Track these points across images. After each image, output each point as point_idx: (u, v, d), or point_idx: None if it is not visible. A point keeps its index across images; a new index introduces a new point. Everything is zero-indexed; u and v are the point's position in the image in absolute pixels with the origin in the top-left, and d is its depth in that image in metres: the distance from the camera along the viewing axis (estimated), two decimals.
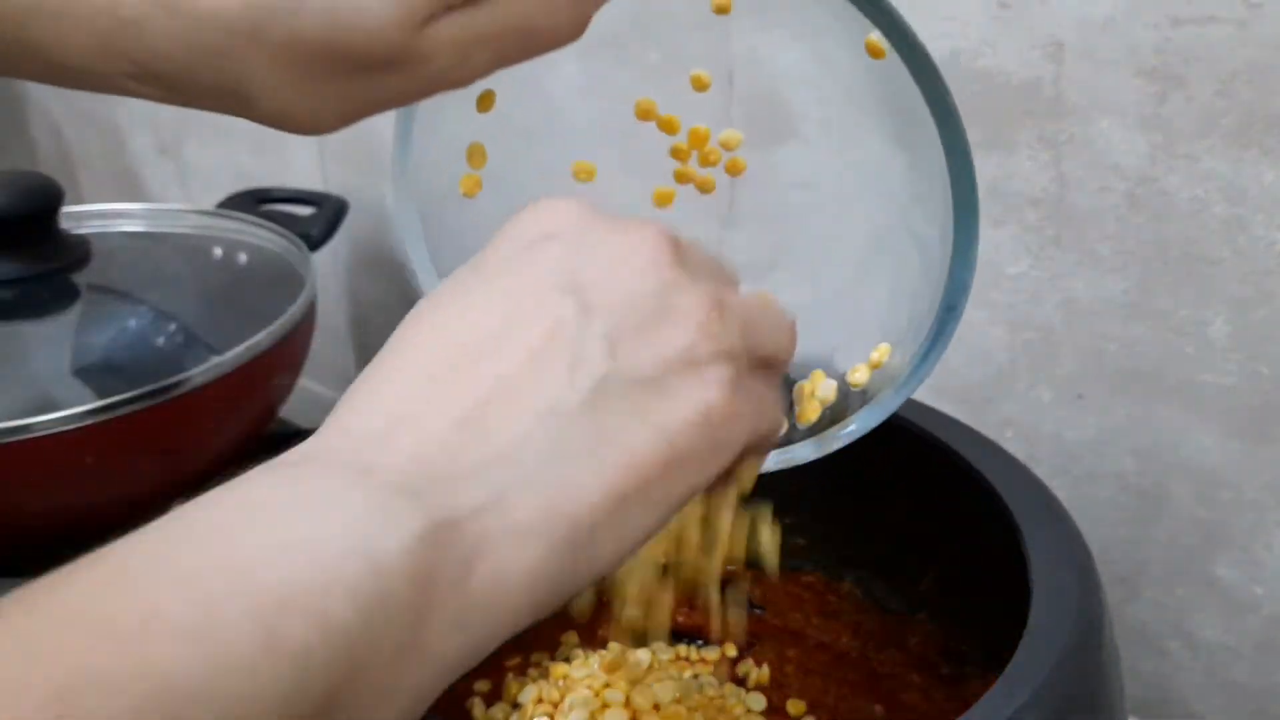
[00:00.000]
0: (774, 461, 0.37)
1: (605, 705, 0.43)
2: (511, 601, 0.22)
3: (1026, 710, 0.30)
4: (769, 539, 0.37)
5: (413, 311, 0.26)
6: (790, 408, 0.38)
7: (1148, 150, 0.47)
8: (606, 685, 0.45)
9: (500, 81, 0.35)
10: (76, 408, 0.50)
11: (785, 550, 0.51)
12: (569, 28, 0.29)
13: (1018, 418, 0.55)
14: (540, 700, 0.45)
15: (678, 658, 0.48)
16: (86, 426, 0.50)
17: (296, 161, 0.82)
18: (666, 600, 0.39)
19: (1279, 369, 0.47)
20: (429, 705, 0.22)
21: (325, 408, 0.25)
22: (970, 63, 0.50)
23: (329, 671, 0.19)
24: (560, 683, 0.46)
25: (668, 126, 0.37)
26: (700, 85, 0.37)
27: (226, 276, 0.66)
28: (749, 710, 0.45)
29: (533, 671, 0.47)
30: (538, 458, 0.23)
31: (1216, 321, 0.48)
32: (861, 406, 0.37)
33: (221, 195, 0.73)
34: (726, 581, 0.51)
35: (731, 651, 0.48)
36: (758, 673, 0.47)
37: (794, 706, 0.45)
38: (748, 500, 0.34)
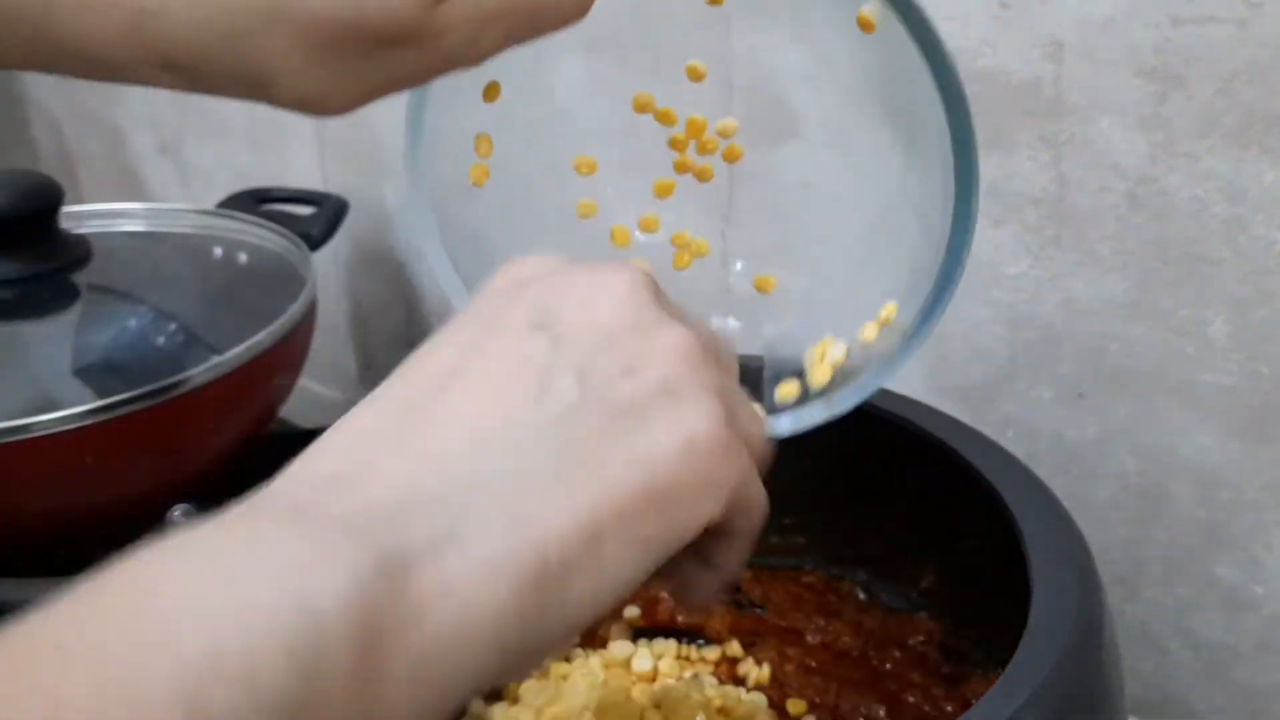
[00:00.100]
0: (788, 424, 0.37)
1: (605, 705, 0.43)
2: (477, 648, 0.20)
3: (1026, 710, 0.30)
4: None
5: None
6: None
7: (1148, 150, 0.47)
8: (607, 685, 0.45)
9: (506, 76, 0.35)
10: (76, 408, 0.50)
11: (785, 549, 0.51)
12: (574, 6, 0.30)
13: (1018, 417, 0.55)
14: (540, 700, 0.45)
15: (678, 657, 0.48)
16: (86, 426, 0.50)
17: (297, 161, 0.82)
18: None
19: (1279, 369, 0.47)
20: None
21: (325, 408, 0.25)
22: (970, 62, 0.50)
23: None
24: (561, 682, 0.46)
25: (665, 118, 0.38)
26: (696, 76, 0.37)
27: (227, 276, 0.66)
28: (749, 710, 0.45)
29: (533, 671, 0.47)
30: (499, 488, 0.21)
31: (1217, 321, 0.48)
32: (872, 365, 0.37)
33: (222, 195, 0.73)
34: None
35: (732, 651, 0.48)
36: (758, 672, 0.47)
37: (794, 706, 0.45)
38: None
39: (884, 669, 0.46)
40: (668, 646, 0.48)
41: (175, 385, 0.52)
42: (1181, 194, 0.47)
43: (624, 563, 0.22)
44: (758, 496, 0.26)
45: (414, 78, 0.30)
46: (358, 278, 0.83)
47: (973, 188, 0.33)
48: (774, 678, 0.47)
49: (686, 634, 0.49)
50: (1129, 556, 0.54)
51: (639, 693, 0.45)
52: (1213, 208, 0.46)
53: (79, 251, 0.62)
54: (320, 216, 0.70)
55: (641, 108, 0.37)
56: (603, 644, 0.48)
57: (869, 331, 0.37)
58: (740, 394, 0.27)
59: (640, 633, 0.49)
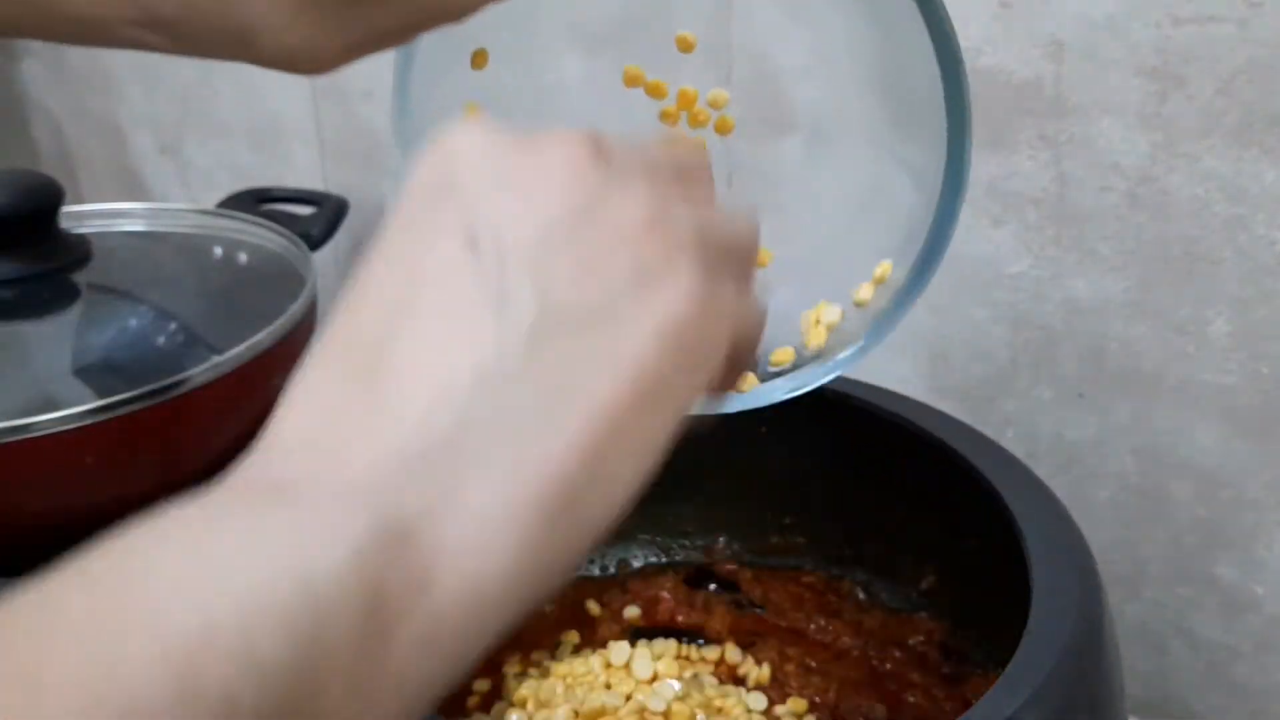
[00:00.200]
0: (785, 388, 0.36)
1: (605, 705, 0.43)
2: (491, 599, 0.20)
3: (1027, 710, 0.30)
4: None
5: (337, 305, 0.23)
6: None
7: (1148, 149, 0.47)
8: (607, 685, 0.45)
9: (499, 51, 0.35)
10: (77, 407, 0.50)
11: (785, 549, 0.51)
12: None
13: (1018, 417, 0.55)
14: (540, 700, 0.45)
15: (678, 657, 0.48)
16: (86, 426, 0.50)
17: (297, 161, 0.82)
18: None
19: (1279, 368, 0.47)
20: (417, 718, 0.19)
21: None
22: (971, 62, 0.49)
23: (263, 711, 0.16)
24: (561, 682, 0.46)
25: (655, 91, 0.37)
26: (685, 46, 0.37)
27: (227, 276, 0.66)
28: (749, 710, 0.45)
29: (533, 671, 0.47)
30: (484, 435, 0.20)
31: (1217, 321, 0.48)
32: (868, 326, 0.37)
33: (222, 195, 0.73)
34: (724, 582, 0.52)
35: (732, 651, 0.48)
36: (758, 672, 0.46)
37: (794, 705, 0.45)
38: None
39: (884, 669, 0.46)
40: (668, 646, 0.48)
41: (175, 385, 0.52)
42: (1182, 193, 0.47)
43: (630, 467, 0.21)
44: (752, 332, 0.25)
45: (398, 32, 0.29)
46: None
47: (965, 128, 0.33)
48: (774, 678, 0.46)
49: (686, 634, 0.49)
50: (1129, 556, 0.54)
51: (640, 693, 0.45)
52: (1213, 207, 0.46)
53: (79, 251, 0.62)
54: (320, 216, 0.70)
55: (632, 81, 0.37)
56: (603, 644, 0.48)
57: (864, 291, 0.37)
58: (716, 223, 0.24)
59: (640, 633, 0.49)
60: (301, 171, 0.81)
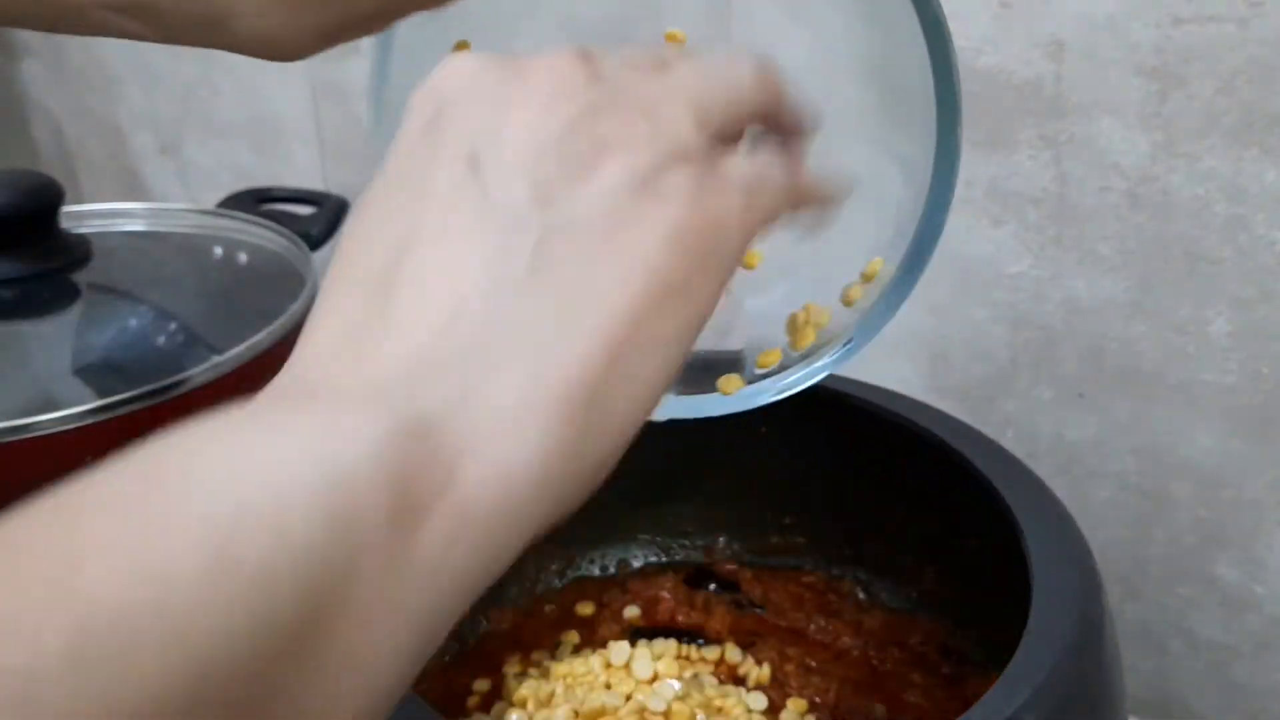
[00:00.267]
0: (772, 390, 0.36)
1: (605, 705, 0.43)
2: (522, 491, 0.20)
3: (1027, 710, 0.30)
4: None
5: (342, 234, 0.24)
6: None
7: (1148, 149, 0.47)
8: (608, 685, 0.45)
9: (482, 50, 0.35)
10: (77, 407, 0.50)
11: (785, 549, 0.51)
12: None
13: (1018, 417, 0.55)
14: (540, 700, 0.45)
15: (678, 657, 0.48)
16: (87, 426, 0.50)
17: (297, 161, 0.82)
18: None
19: (1279, 368, 0.47)
20: (452, 622, 0.20)
21: None
22: (971, 61, 0.50)
23: (300, 589, 0.17)
24: (561, 682, 0.46)
25: None
26: (675, 44, 0.37)
27: (227, 276, 0.66)
28: (749, 710, 0.45)
29: (533, 671, 0.47)
30: (502, 339, 0.21)
31: (1217, 321, 0.48)
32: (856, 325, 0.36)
33: (222, 194, 0.73)
34: (724, 582, 0.52)
35: (732, 651, 0.48)
36: (758, 672, 0.46)
37: (795, 705, 0.45)
38: None
39: (884, 669, 0.46)
40: (668, 646, 0.48)
41: (175, 385, 0.52)
42: (1182, 193, 0.47)
43: (655, 362, 0.22)
44: (771, 201, 0.25)
45: (375, 17, 0.29)
46: None
47: (955, 115, 0.32)
48: (774, 678, 0.46)
49: (686, 634, 0.49)
50: (1129, 556, 0.54)
51: (640, 692, 0.45)
52: (1213, 207, 0.46)
53: (79, 251, 0.62)
54: (320, 216, 0.70)
55: None
56: (603, 644, 0.48)
57: (854, 290, 0.36)
58: (715, 94, 0.24)
59: (640, 633, 0.49)
60: (301, 171, 0.81)
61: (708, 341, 0.29)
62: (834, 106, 0.38)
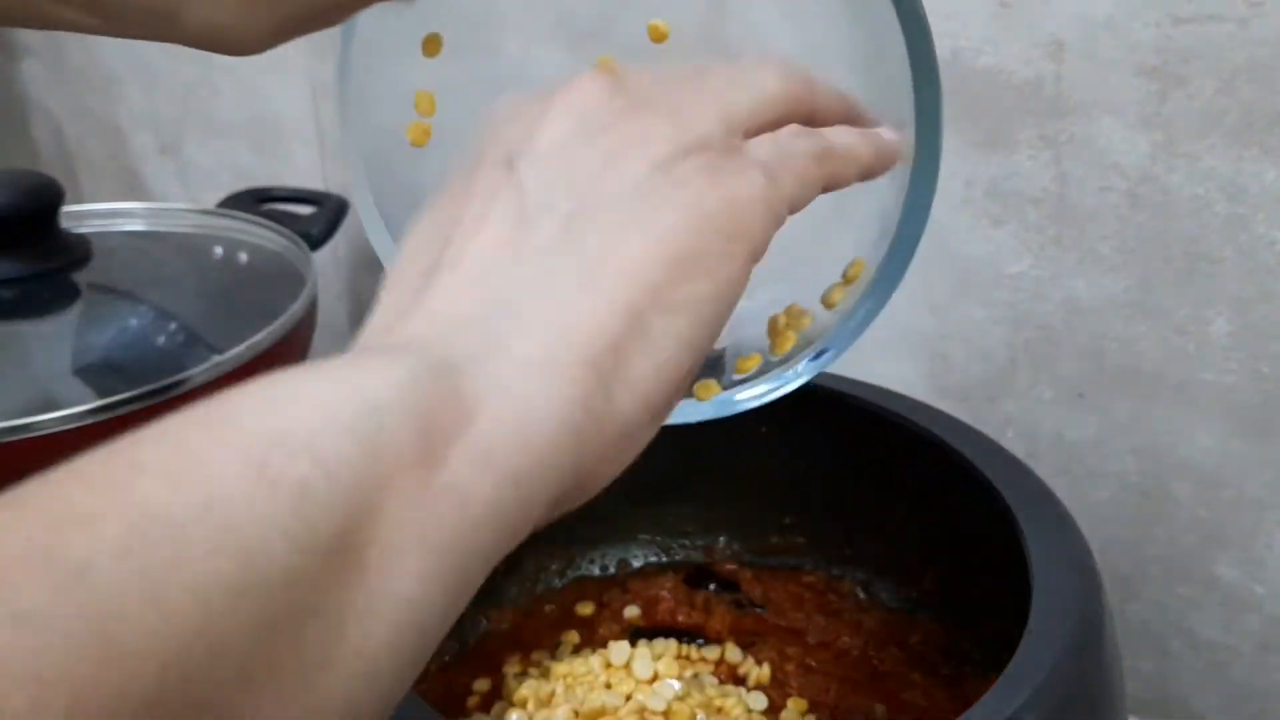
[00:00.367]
0: (752, 398, 0.36)
1: (605, 705, 0.43)
2: (545, 432, 0.21)
3: (1027, 709, 0.30)
4: None
5: None
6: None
7: (1149, 149, 0.47)
8: (608, 685, 0.45)
9: (468, 45, 0.34)
10: (77, 407, 0.50)
11: (785, 549, 0.51)
12: None
13: (1018, 417, 0.55)
14: (540, 700, 0.45)
15: (678, 657, 0.48)
16: (87, 426, 0.50)
17: (297, 160, 0.82)
18: None
19: (1279, 368, 0.47)
20: (485, 568, 0.21)
21: None
22: (971, 61, 0.50)
23: (335, 506, 0.18)
24: (561, 682, 0.46)
25: None
26: (657, 36, 0.36)
27: (227, 276, 0.66)
28: (749, 710, 0.45)
29: (533, 671, 0.47)
30: (527, 296, 0.22)
31: (1218, 320, 0.48)
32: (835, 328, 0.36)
33: (222, 194, 0.73)
34: (724, 582, 0.52)
35: (732, 651, 0.48)
36: (758, 672, 0.46)
37: (795, 705, 0.45)
38: None
39: (884, 669, 0.46)
40: (668, 646, 0.48)
41: (175, 385, 0.52)
42: (1182, 193, 0.47)
43: (678, 328, 0.23)
44: (802, 181, 0.26)
45: (330, 9, 0.29)
46: (358, 277, 0.83)
47: (936, 102, 0.32)
48: (774, 678, 0.46)
49: (686, 634, 0.49)
50: (1129, 556, 0.54)
51: (640, 692, 0.45)
52: (1213, 207, 0.46)
53: (79, 251, 0.62)
54: (320, 216, 0.70)
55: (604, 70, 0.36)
56: (603, 644, 0.48)
57: (835, 293, 0.35)
58: (738, 99, 0.26)
59: (640, 633, 0.49)
60: (301, 171, 0.81)
61: None
62: None
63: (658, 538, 0.53)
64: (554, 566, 0.52)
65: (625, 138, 0.24)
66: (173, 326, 0.61)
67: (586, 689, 0.45)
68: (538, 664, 0.48)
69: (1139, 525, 0.53)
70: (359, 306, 0.84)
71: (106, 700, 0.15)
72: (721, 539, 0.52)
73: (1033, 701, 0.31)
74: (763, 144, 0.26)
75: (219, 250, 0.67)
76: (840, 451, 0.47)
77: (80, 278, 0.61)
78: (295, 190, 0.73)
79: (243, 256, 0.66)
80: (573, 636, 0.49)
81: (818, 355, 0.36)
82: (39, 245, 0.60)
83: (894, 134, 0.31)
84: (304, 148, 0.81)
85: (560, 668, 0.46)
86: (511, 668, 0.47)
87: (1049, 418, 0.54)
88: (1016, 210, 0.51)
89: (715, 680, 0.47)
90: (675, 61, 0.37)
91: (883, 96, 0.33)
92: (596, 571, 0.52)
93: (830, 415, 0.46)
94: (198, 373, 0.53)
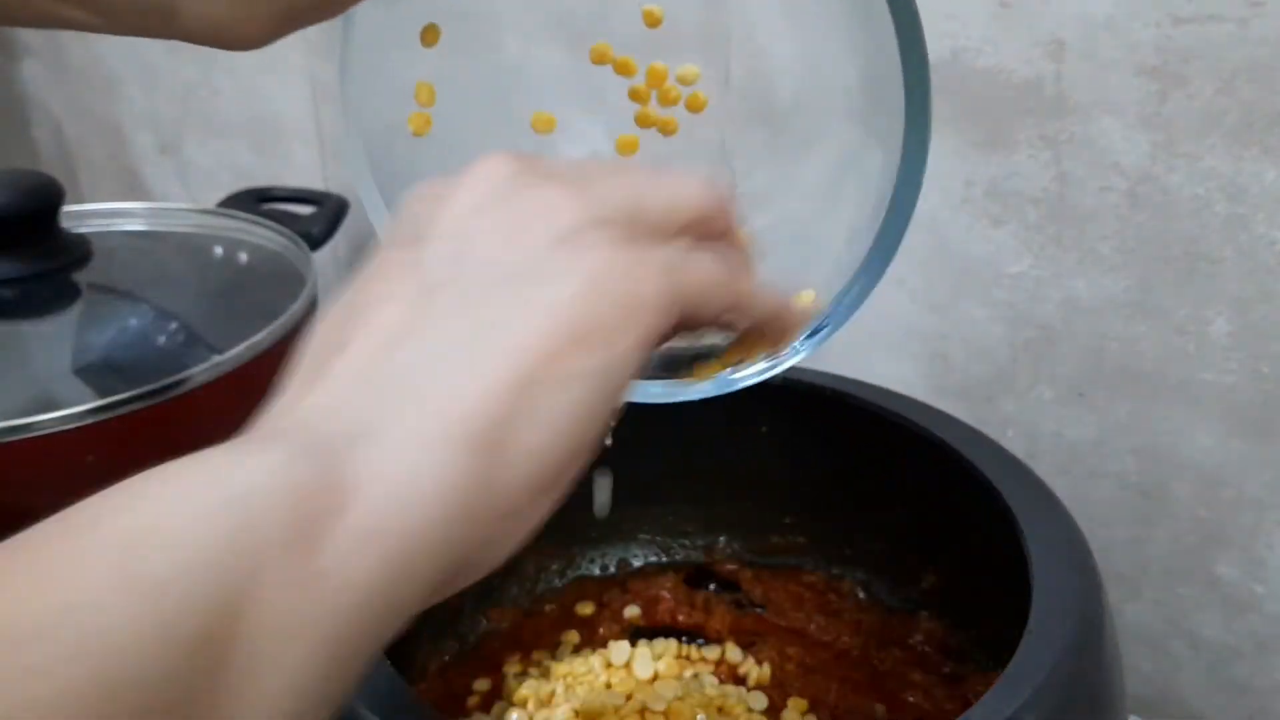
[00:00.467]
0: (748, 376, 0.36)
1: (605, 704, 0.43)
2: (426, 517, 0.20)
3: (1027, 709, 0.30)
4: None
5: None
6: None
7: (1149, 149, 0.47)
8: (608, 685, 0.45)
9: (463, 36, 0.34)
10: (77, 407, 0.50)
11: (785, 549, 0.51)
12: None
13: (1018, 416, 0.55)
14: (540, 700, 0.45)
15: (678, 657, 0.48)
16: (87, 426, 0.50)
17: (297, 160, 0.82)
18: None
19: (1279, 368, 0.47)
20: (373, 645, 0.20)
21: None
22: (971, 61, 0.50)
23: (200, 604, 0.18)
24: (561, 682, 0.46)
25: (624, 68, 0.36)
26: (652, 21, 0.36)
27: (227, 275, 0.66)
28: (749, 710, 0.45)
29: (533, 671, 0.47)
30: (413, 373, 0.22)
31: (1218, 320, 0.48)
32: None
33: (222, 194, 0.73)
34: (724, 582, 0.52)
35: (732, 651, 0.48)
36: (758, 672, 0.46)
37: (795, 705, 0.45)
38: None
39: (884, 669, 0.46)
40: (668, 646, 0.48)
41: (175, 385, 0.52)
42: (1182, 193, 0.47)
43: (566, 403, 0.22)
44: (702, 281, 0.25)
45: (327, 1, 0.29)
46: None
47: (924, 84, 0.32)
48: (774, 678, 0.46)
49: (687, 634, 0.49)
50: (1130, 555, 0.54)
51: (640, 691, 0.45)
52: (1213, 207, 0.46)
53: (79, 251, 0.62)
54: (320, 216, 0.70)
55: (599, 59, 0.36)
56: (603, 643, 0.48)
57: (804, 297, 0.35)
58: (651, 193, 0.25)
59: (640, 632, 0.49)
60: (301, 171, 0.81)
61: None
62: (821, 89, 0.38)
63: (658, 538, 0.53)
64: (554, 566, 0.52)
65: (529, 209, 0.24)
66: (173, 326, 0.61)
67: (587, 689, 0.45)
68: (538, 664, 0.48)
69: (1139, 525, 0.53)
70: None
71: None
72: (721, 539, 0.52)
73: (1033, 701, 0.31)
74: (667, 246, 0.25)
75: (219, 250, 0.67)
76: (840, 451, 0.47)
77: (80, 278, 0.61)
78: (295, 190, 0.73)
79: (243, 256, 0.66)
80: (573, 636, 0.49)
81: (814, 333, 0.36)
82: (39, 245, 0.60)
83: (796, 307, 0.30)
84: (304, 148, 0.81)
85: (560, 667, 0.46)
86: (511, 668, 0.47)
87: (1049, 418, 0.54)
88: (1016, 210, 0.51)
89: (715, 680, 0.47)
90: (671, 56, 0.37)
91: (879, 81, 0.33)
92: (596, 571, 0.52)
93: (830, 415, 0.46)
94: (198, 373, 0.53)
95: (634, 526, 0.52)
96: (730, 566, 0.51)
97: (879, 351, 0.58)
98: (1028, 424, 0.55)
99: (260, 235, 0.67)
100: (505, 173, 0.25)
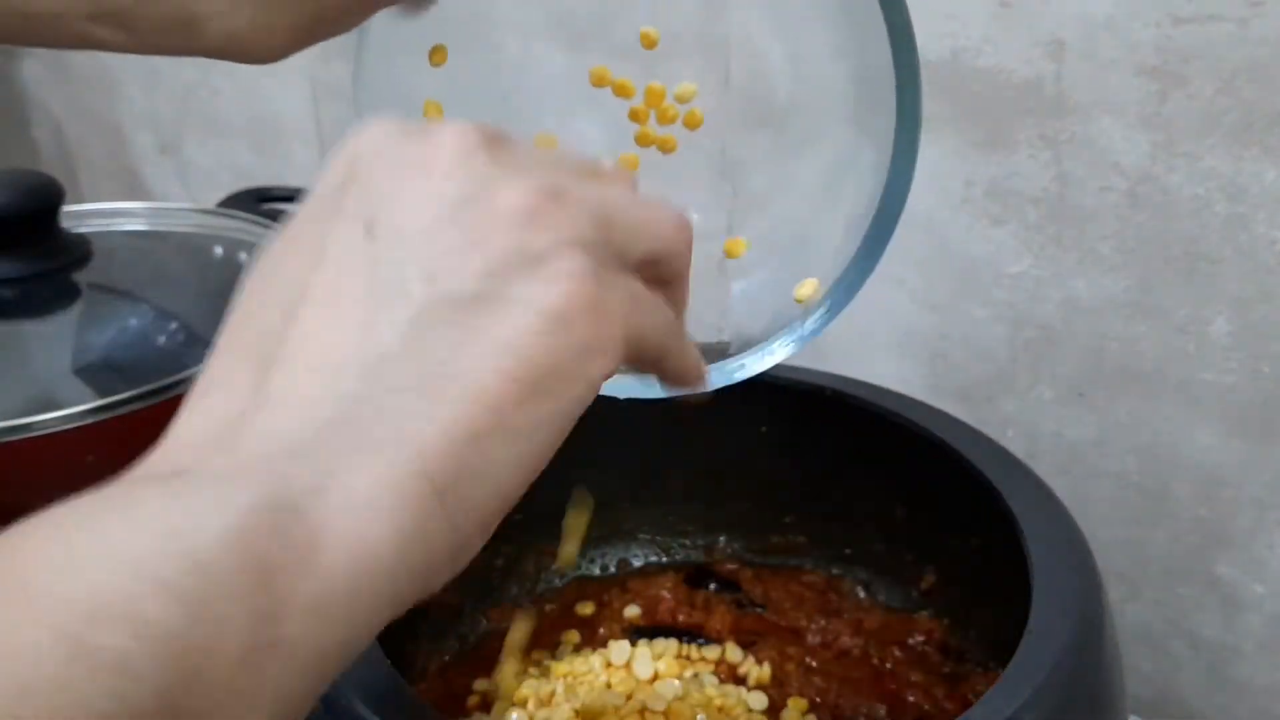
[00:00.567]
0: (753, 364, 0.36)
1: (606, 704, 0.43)
2: (382, 571, 0.20)
3: (1027, 709, 0.30)
4: None
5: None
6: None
7: (1149, 149, 0.47)
8: (608, 685, 0.45)
9: (467, 50, 0.34)
10: (77, 407, 0.50)
11: (785, 549, 0.51)
12: None
13: (1018, 416, 0.55)
14: (540, 700, 0.45)
15: (678, 657, 0.48)
16: (87, 425, 0.50)
17: (297, 161, 0.82)
18: None
19: (1279, 368, 0.47)
20: (316, 696, 0.20)
21: None
22: (971, 61, 0.50)
23: (157, 677, 0.17)
24: (561, 682, 0.46)
25: (622, 90, 0.37)
26: (648, 43, 0.36)
27: (227, 275, 0.66)
28: (749, 710, 0.45)
29: (533, 671, 0.47)
30: (366, 416, 0.21)
31: (1217, 320, 0.48)
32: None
33: (222, 194, 0.73)
34: (724, 581, 0.52)
35: (732, 651, 0.48)
36: (758, 672, 0.46)
37: (795, 705, 0.45)
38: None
39: (884, 669, 0.46)
40: (668, 646, 0.48)
41: (176, 385, 0.52)
42: (1182, 193, 0.47)
43: (515, 453, 0.21)
44: (656, 328, 0.24)
45: (346, 13, 0.30)
46: None
47: (915, 74, 0.32)
48: (774, 677, 0.46)
49: (686, 634, 0.49)
50: (1130, 555, 0.54)
51: (641, 691, 0.45)
52: (1214, 206, 0.46)
53: (79, 251, 0.62)
54: None
55: (598, 81, 0.36)
56: (603, 643, 0.48)
57: (805, 288, 0.36)
58: (623, 209, 0.24)
59: (640, 632, 0.49)
60: (301, 171, 0.82)
61: (700, 334, 0.29)
62: (817, 90, 0.38)
63: (658, 538, 0.53)
64: (554, 566, 0.52)
65: (493, 212, 0.22)
66: (173, 326, 0.61)
67: (587, 689, 0.45)
68: (538, 664, 0.48)
69: (1139, 525, 0.53)
70: None
71: None
72: (721, 539, 0.52)
73: (1033, 701, 0.31)
74: (633, 278, 0.24)
75: (219, 250, 0.67)
76: (840, 451, 0.47)
77: (80, 278, 0.61)
78: (295, 190, 0.73)
79: (243, 256, 0.66)
80: (573, 636, 0.49)
81: (814, 318, 0.36)
82: (39, 245, 0.60)
83: (703, 368, 0.28)
84: (304, 148, 0.81)
85: (560, 667, 0.46)
86: (511, 667, 0.47)
87: (1049, 417, 0.54)
88: (1016, 210, 0.51)
89: (715, 680, 0.47)
90: (673, 61, 0.37)
91: (871, 78, 0.33)
92: (596, 571, 0.52)
93: (830, 415, 0.46)
94: (198, 373, 0.53)
95: (634, 526, 0.52)
96: (730, 566, 0.51)
97: (879, 351, 0.58)
98: (1028, 424, 0.55)
99: (261, 235, 0.67)
100: (476, 156, 0.23)
